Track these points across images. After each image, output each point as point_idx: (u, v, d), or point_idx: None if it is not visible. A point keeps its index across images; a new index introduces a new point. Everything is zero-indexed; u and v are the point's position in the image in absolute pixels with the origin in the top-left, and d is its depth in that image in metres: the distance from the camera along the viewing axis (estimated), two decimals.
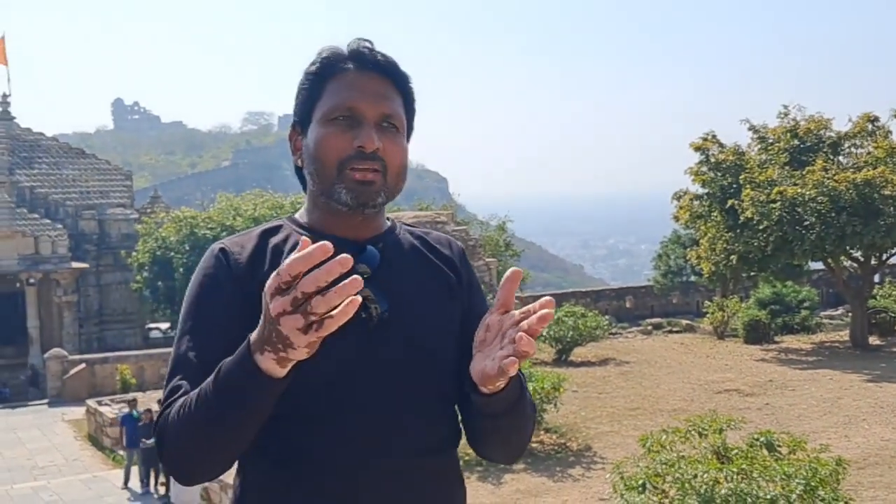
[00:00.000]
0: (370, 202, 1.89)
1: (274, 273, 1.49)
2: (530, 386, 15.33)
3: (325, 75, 1.94)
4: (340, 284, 1.46)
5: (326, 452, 1.85)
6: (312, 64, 1.96)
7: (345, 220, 1.94)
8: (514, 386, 1.79)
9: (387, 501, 1.88)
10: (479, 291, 2.14)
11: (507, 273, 1.72)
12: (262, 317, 1.56)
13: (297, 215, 2.05)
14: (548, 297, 1.67)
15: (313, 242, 1.65)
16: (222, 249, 1.95)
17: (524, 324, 1.65)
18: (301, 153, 1.98)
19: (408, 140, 2.01)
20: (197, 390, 1.71)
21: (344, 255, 1.46)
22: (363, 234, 1.96)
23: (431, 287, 2.01)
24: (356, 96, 1.90)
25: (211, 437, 1.71)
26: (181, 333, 1.89)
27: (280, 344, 1.53)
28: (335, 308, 1.46)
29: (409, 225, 2.14)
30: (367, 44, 1.96)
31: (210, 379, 1.67)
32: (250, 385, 1.61)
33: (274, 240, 1.96)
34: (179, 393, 1.79)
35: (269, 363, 1.58)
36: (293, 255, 1.47)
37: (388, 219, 2.08)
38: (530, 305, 1.67)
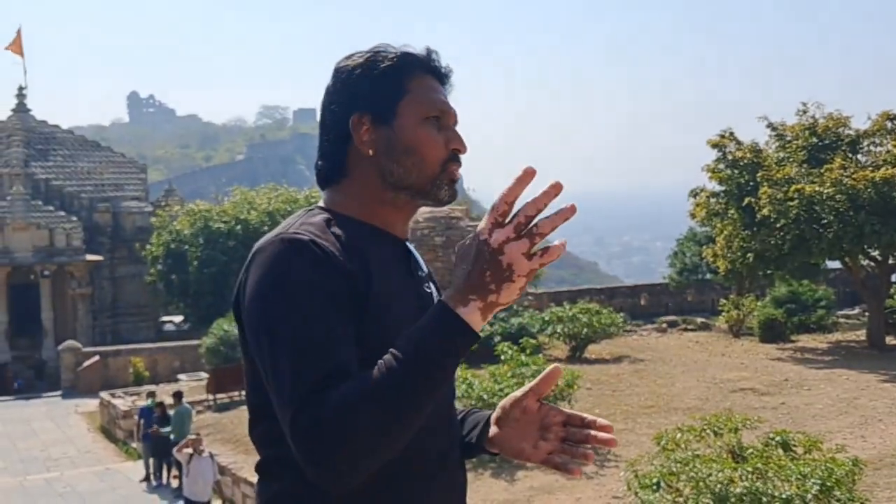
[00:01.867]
0: (455, 198, 1.99)
1: (490, 209, 1.62)
2: None
3: (403, 72, 1.97)
4: (561, 208, 1.61)
5: (403, 453, 1.76)
6: (383, 57, 1.98)
7: (402, 216, 2.00)
8: None
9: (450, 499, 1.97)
10: None
11: (549, 369, 1.96)
12: (466, 267, 1.63)
13: (338, 207, 1.96)
14: (610, 432, 1.95)
15: (388, 240, 1.95)
16: (312, 243, 1.77)
17: (591, 434, 1.93)
18: (374, 143, 1.94)
19: None
20: (378, 369, 1.62)
21: (557, 180, 1.59)
22: (404, 234, 2.03)
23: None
24: (445, 100, 1.99)
25: (411, 412, 1.63)
26: (300, 319, 1.69)
27: (498, 278, 1.60)
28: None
29: None
30: (436, 54, 2.03)
31: (398, 352, 1.63)
32: (459, 342, 1.63)
33: (338, 232, 1.85)
34: (334, 380, 1.64)
35: (474, 314, 1.62)
36: (507, 186, 1.61)
37: None
38: (588, 418, 1.96)
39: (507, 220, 1.61)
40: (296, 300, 1.71)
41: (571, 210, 1.61)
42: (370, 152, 1.94)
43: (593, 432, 1.92)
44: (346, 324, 1.72)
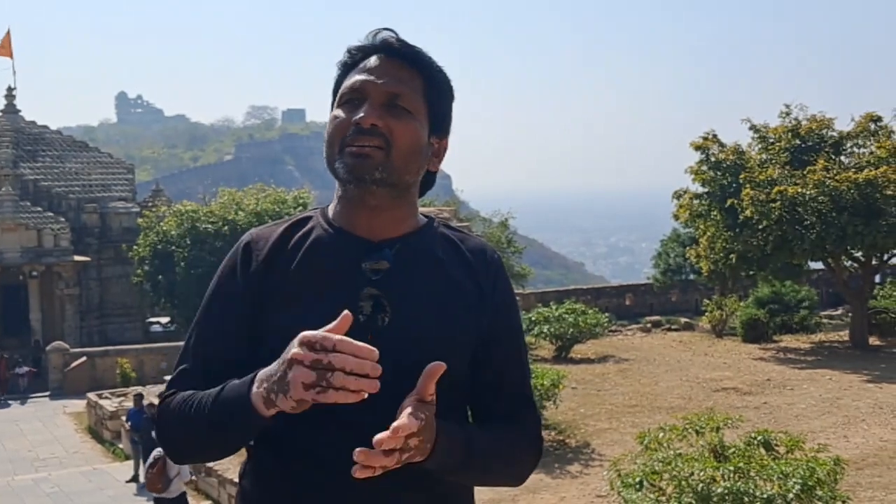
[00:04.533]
0: (366, 175, 1.87)
1: (309, 333, 1.62)
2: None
3: (346, 71, 1.98)
4: (365, 381, 1.60)
5: (325, 452, 1.86)
6: (339, 63, 2.01)
7: (361, 211, 1.94)
8: (444, 456, 1.78)
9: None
10: (509, 312, 2.08)
11: (428, 368, 1.73)
12: (281, 357, 1.69)
13: (329, 207, 2.06)
14: (378, 446, 1.63)
15: (335, 239, 1.94)
16: (247, 244, 2.01)
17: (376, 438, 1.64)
18: None
19: (443, 132, 2.02)
20: (200, 396, 1.86)
21: (373, 350, 1.61)
22: (381, 232, 1.95)
23: (445, 297, 1.97)
24: (364, 78, 1.92)
25: (202, 442, 1.91)
26: (195, 323, 2.03)
27: (277, 386, 1.67)
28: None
29: (450, 227, 2.10)
30: (391, 33, 1.99)
31: (214, 393, 1.83)
32: (238, 412, 1.77)
33: (299, 233, 1.99)
34: (179, 384, 1.96)
35: (258, 399, 1.72)
36: (330, 331, 1.62)
37: (426, 217, 2.07)
38: (394, 424, 1.65)
39: (315, 350, 1.61)
40: (206, 299, 2.03)
41: (371, 385, 1.60)
42: None
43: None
44: (228, 323, 1.96)
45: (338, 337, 1.61)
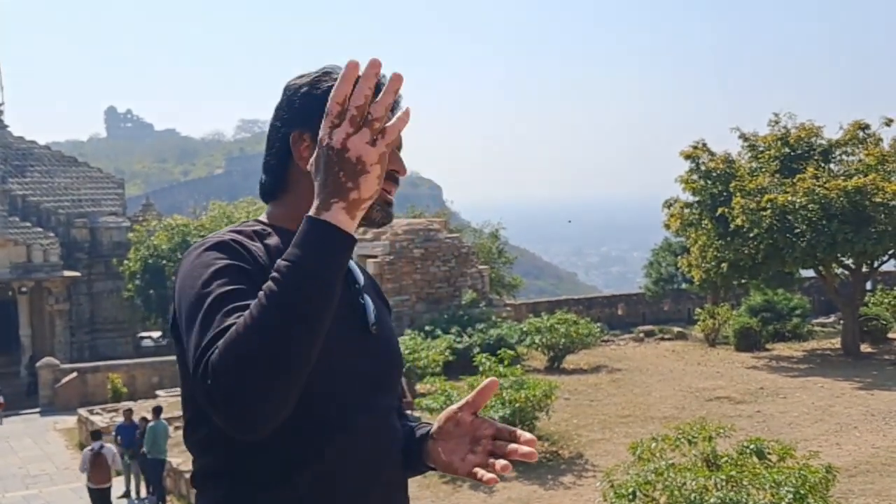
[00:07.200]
0: (391, 220, 2.02)
1: (325, 112, 1.61)
2: (522, 394, 15.37)
3: None
4: (386, 89, 1.58)
5: (338, 464, 1.86)
6: (329, 77, 1.99)
7: None
8: None
9: None
10: None
11: (486, 382, 1.97)
12: (320, 177, 1.61)
13: (273, 221, 2.03)
14: (532, 446, 1.87)
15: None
16: (233, 240, 1.86)
17: (512, 447, 1.88)
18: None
19: None
20: (259, 297, 1.58)
21: (375, 59, 1.58)
22: None
23: (382, 305, 2.15)
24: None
25: (299, 327, 1.56)
26: (218, 294, 1.72)
27: (352, 174, 1.58)
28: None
29: None
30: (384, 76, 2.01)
31: (276, 273, 1.59)
32: (330, 244, 1.60)
33: (270, 242, 1.93)
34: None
35: (339, 215, 1.60)
36: (334, 87, 1.59)
37: None
38: (517, 432, 1.91)
39: (341, 120, 1.59)
40: (209, 278, 1.75)
41: (398, 79, 1.60)
42: (309, 168, 1.90)
43: (514, 445, 1.87)
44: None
45: (332, 94, 1.60)
